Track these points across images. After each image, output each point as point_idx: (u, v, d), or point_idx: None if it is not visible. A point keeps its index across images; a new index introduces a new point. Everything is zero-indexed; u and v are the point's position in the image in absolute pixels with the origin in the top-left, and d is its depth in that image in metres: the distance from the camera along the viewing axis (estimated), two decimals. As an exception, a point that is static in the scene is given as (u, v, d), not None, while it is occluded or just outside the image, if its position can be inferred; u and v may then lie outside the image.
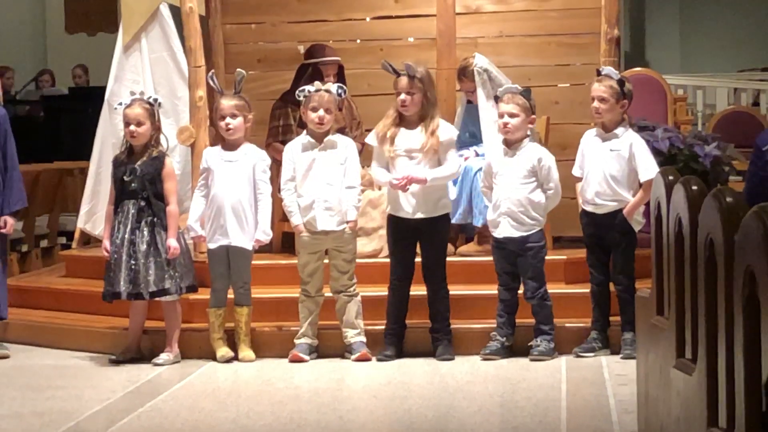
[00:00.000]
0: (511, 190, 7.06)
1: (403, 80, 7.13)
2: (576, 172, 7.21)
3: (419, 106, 7.12)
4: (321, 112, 7.17)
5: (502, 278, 7.11)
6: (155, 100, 7.34)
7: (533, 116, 7.15)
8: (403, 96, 7.13)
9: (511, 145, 7.11)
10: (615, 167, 7.03)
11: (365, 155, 7.91)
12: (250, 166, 7.23)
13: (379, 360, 7.06)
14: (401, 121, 7.18)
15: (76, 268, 8.84)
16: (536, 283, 7.03)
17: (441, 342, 7.11)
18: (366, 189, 7.81)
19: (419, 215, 7.10)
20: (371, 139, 7.26)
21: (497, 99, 7.18)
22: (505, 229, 7.07)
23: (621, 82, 7.08)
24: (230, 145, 7.27)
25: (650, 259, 4.75)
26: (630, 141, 7.05)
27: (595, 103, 7.05)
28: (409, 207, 7.10)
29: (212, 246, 7.21)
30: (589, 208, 7.12)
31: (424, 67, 7.30)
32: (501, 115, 7.08)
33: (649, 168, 6.92)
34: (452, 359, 7.03)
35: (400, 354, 7.14)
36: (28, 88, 15.74)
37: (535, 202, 7.06)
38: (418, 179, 7.04)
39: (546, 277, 7.12)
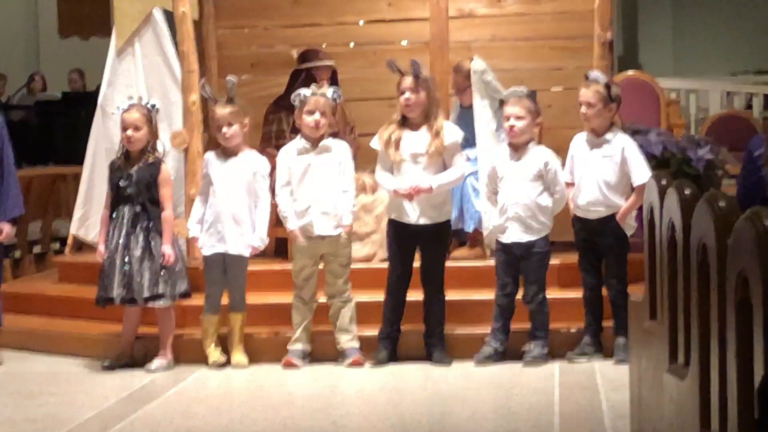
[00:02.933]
0: (518, 195, 6.99)
1: (408, 79, 7.04)
2: (566, 177, 7.16)
3: (423, 106, 7.02)
4: (317, 115, 7.12)
5: (501, 282, 7.05)
6: (153, 105, 7.32)
7: (540, 119, 7.12)
8: (407, 95, 7.02)
9: (517, 148, 7.07)
10: (608, 173, 7.00)
11: (359, 159, 7.90)
12: (250, 173, 7.20)
13: (372, 365, 7.05)
14: (405, 123, 7.09)
15: (69, 273, 8.83)
16: (537, 288, 6.99)
17: (436, 347, 7.08)
18: (359, 193, 7.79)
19: (423, 221, 7.04)
20: (375, 143, 7.16)
21: (502, 103, 7.13)
22: (513, 234, 7.00)
23: (608, 86, 7.05)
24: (230, 152, 7.24)
25: (643, 263, 4.74)
26: (622, 145, 7.01)
27: (583, 108, 7.03)
28: (413, 213, 7.02)
29: (208, 252, 7.19)
30: (580, 214, 7.10)
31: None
32: (507, 118, 7.01)
33: (642, 172, 6.90)
34: (449, 364, 7.00)
35: (394, 358, 7.12)
36: (21, 93, 15.73)
37: (543, 206, 7.01)
38: (424, 189, 6.95)
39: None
